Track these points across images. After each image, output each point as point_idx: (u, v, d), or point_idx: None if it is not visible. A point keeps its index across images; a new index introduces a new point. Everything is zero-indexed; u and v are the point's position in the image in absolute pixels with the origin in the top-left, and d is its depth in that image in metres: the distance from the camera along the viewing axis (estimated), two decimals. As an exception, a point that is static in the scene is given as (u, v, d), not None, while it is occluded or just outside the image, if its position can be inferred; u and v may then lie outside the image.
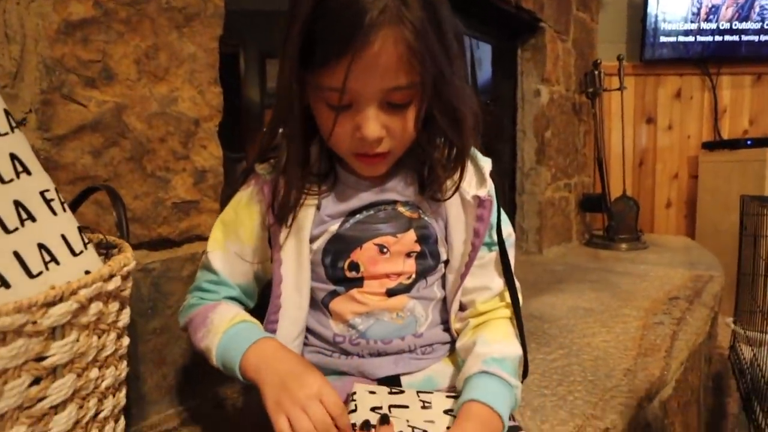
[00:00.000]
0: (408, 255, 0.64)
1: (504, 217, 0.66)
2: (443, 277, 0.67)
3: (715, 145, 2.62)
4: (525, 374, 0.63)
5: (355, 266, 0.63)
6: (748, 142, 2.43)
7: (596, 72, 2.26)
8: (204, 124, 0.82)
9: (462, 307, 0.66)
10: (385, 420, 0.48)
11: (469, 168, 0.64)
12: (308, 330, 0.66)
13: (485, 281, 0.64)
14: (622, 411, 0.79)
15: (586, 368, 0.95)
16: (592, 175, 2.58)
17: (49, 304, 0.32)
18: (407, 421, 0.53)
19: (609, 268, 1.82)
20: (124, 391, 0.47)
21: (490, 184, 0.63)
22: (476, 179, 0.64)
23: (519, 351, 0.61)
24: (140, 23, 0.71)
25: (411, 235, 0.64)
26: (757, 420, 1.32)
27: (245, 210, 0.64)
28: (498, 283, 0.65)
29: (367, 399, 0.56)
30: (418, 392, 0.59)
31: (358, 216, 0.63)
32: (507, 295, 0.65)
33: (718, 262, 1.92)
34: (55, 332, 0.33)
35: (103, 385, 0.41)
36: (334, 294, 0.64)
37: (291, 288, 0.62)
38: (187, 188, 0.82)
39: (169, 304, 0.82)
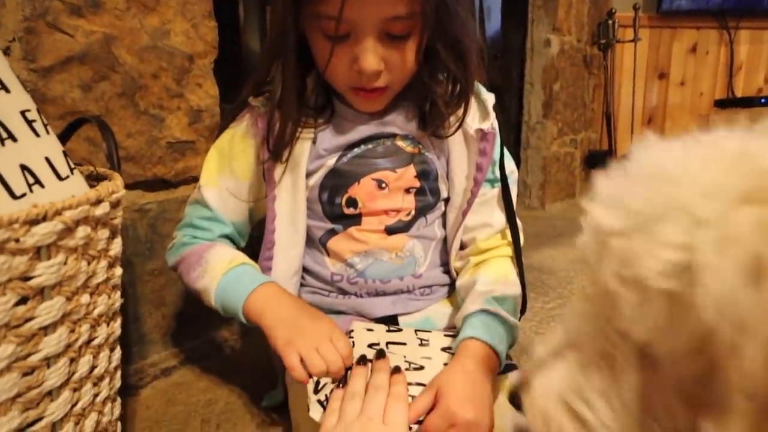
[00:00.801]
0: (407, 191, 0.62)
1: (507, 153, 0.64)
2: (444, 216, 0.66)
3: (728, 102, 2.55)
4: (523, 311, 0.63)
5: (353, 202, 0.61)
6: (762, 101, 2.37)
7: (610, 22, 2.18)
8: (198, 60, 0.79)
9: (463, 246, 0.65)
10: (381, 355, 0.48)
11: (472, 102, 0.61)
12: (305, 270, 0.65)
13: (487, 218, 0.63)
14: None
15: (585, 316, 0.95)
16: (599, 131, 2.53)
17: (32, 222, 0.31)
18: (404, 357, 0.53)
19: (612, 223, 1.81)
20: (118, 321, 0.47)
21: (493, 118, 0.61)
22: (479, 113, 0.62)
23: (519, 290, 0.60)
24: (128, -51, 0.68)
25: (411, 170, 0.62)
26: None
27: (240, 144, 0.62)
28: (500, 220, 0.63)
29: (364, 336, 0.56)
30: (416, 330, 0.59)
31: (356, 150, 0.62)
32: (508, 233, 0.64)
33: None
34: (40, 252, 0.33)
35: (96, 312, 0.41)
36: (332, 233, 0.63)
37: (285, 224, 0.61)
38: (182, 128, 0.80)
39: (166, 245, 0.81)
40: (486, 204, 0.63)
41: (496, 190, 0.63)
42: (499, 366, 0.54)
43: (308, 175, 0.61)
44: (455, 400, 0.46)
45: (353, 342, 0.54)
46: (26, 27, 0.60)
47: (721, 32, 2.65)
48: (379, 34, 0.52)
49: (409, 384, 0.48)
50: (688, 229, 0.23)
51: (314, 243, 0.64)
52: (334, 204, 0.62)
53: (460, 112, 0.60)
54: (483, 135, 0.60)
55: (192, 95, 0.79)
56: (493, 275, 0.60)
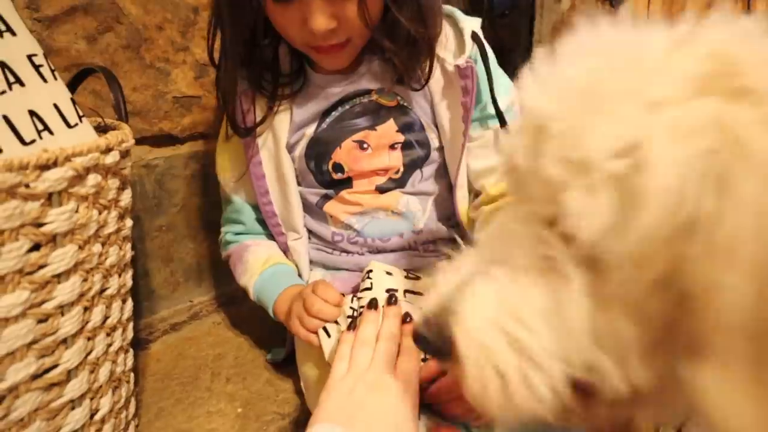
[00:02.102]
0: (392, 147, 0.61)
1: (503, 83, 0.60)
2: (444, 168, 0.63)
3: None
4: None
5: (338, 167, 0.61)
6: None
7: (623, -24, 2.10)
8: (204, 12, 0.77)
9: (476, 195, 0.63)
10: (392, 300, 0.47)
11: (450, 35, 0.58)
12: (309, 231, 0.67)
13: (491, 162, 0.60)
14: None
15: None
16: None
17: (43, 167, 0.30)
18: (420, 309, 0.53)
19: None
20: (129, 273, 0.47)
21: (470, 49, 0.56)
22: (456, 45, 0.58)
23: None
24: None
25: (391, 125, 0.60)
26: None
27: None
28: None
29: (383, 279, 0.55)
30: None
31: (333, 114, 0.61)
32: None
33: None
34: (51, 198, 0.32)
35: (107, 262, 0.41)
36: (326, 198, 0.64)
37: (277, 197, 0.63)
38: (188, 82, 0.78)
39: (174, 201, 0.82)
40: (486, 147, 0.60)
41: (496, 129, 0.60)
42: None
43: (291, 148, 0.62)
44: None
45: (371, 284, 0.54)
46: (28, -27, 0.58)
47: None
48: None
49: None
50: (641, 112, 0.21)
51: (312, 207, 0.65)
52: (323, 171, 0.62)
53: (426, 66, 0.57)
54: (461, 71, 0.56)
55: (197, 48, 0.77)
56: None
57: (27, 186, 0.30)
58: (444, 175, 0.64)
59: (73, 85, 0.56)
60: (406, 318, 0.45)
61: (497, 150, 0.61)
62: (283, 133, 0.60)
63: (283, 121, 0.60)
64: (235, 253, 0.67)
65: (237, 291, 0.91)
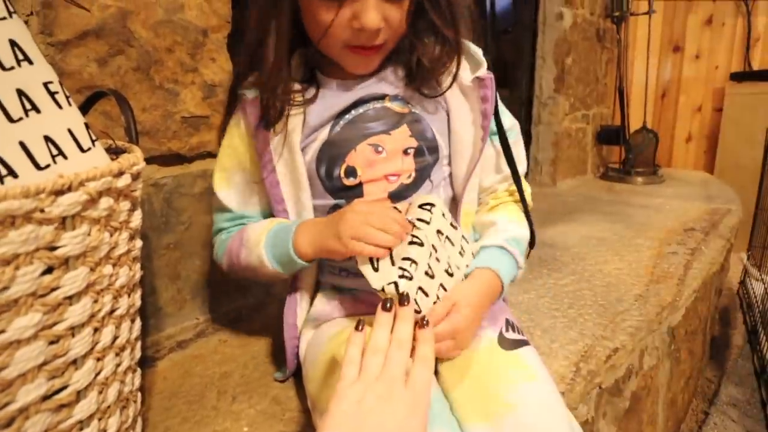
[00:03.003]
0: (405, 152, 0.62)
1: (503, 108, 0.66)
2: (450, 178, 0.66)
3: (745, 76, 2.50)
4: (532, 245, 0.67)
5: (352, 171, 0.61)
6: (779, 74, 2.32)
7: (624, -6, 2.13)
8: (212, 34, 0.79)
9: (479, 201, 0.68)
10: (404, 300, 0.47)
11: (462, 58, 0.62)
12: None
13: (492, 180, 0.67)
14: (632, 333, 0.80)
15: (597, 293, 0.95)
16: (612, 106, 2.49)
17: (58, 192, 0.31)
18: (448, 257, 0.57)
19: (624, 201, 1.79)
20: (138, 293, 0.47)
21: (485, 65, 0.62)
22: (471, 64, 0.63)
23: (527, 232, 0.65)
24: None
25: (404, 130, 0.62)
26: (762, 351, 1.34)
27: (238, 137, 0.64)
28: (506, 171, 0.67)
29: (439, 220, 0.57)
30: (462, 236, 0.61)
31: (347, 116, 0.61)
32: (512, 183, 0.67)
33: (737, 197, 1.88)
34: (65, 222, 0.33)
35: (117, 283, 0.41)
36: (336, 208, 0.62)
37: (293, 204, 0.62)
38: (197, 102, 0.80)
39: (182, 219, 0.83)
40: (491, 163, 0.67)
41: (497, 145, 0.66)
42: (500, 295, 0.60)
43: (303, 151, 0.62)
44: (464, 320, 0.53)
45: (430, 218, 0.56)
46: (44, 1, 0.60)
47: (738, 3, 2.59)
48: None
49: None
50: None
51: None
52: (333, 177, 0.61)
53: (453, 68, 0.61)
54: (480, 82, 0.61)
55: (206, 69, 0.79)
56: (510, 217, 0.65)
57: (42, 211, 0.30)
58: (448, 186, 0.66)
59: (85, 108, 0.57)
60: (420, 321, 0.45)
61: (497, 169, 0.67)
62: (297, 136, 0.61)
63: (296, 125, 0.61)
64: (233, 242, 0.64)
65: (244, 308, 0.92)
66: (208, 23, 0.78)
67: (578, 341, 0.77)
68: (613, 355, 0.74)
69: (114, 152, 0.51)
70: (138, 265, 0.46)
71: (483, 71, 0.62)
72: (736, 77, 2.53)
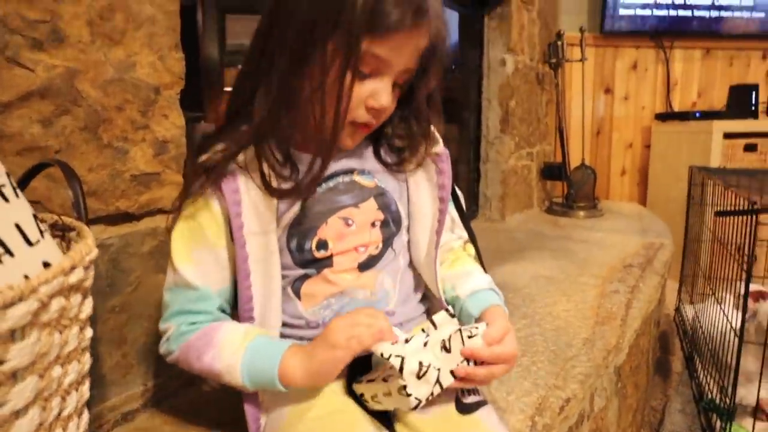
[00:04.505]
0: (373, 224, 0.64)
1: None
2: (408, 245, 0.69)
3: (667, 116, 2.72)
4: None
5: (323, 244, 0.61)
6: (697, 114, 2.53)
7: (559, 43, 2.27)
8: (165, 91, 0.77)
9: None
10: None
11: None
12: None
13: (450, 237, 0.73)
14: (582, 380, 0.83)
15: (548, 338, 0.98)
16: (553, 143, 2.62)
17: (8, 305, 0.29)
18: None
19: (568, 236, 1.87)
20: (87, 384, 0.44)
21: (440, 140, 0.67)
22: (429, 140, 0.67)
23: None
24: (92, -20, 0.65)
25: (372, 203, 0.64)
26: (698, 378, 1.41)
27: (208, 219, 0.59)
28: (459, 231, 0.73)
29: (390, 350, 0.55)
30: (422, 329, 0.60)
31: (318, 190, 0.62)
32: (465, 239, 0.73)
33: (668, 229, 2.01)
34: (14, 335, 0.31)
35: (66, 381, 0.39)
36: (305, 277, 0.62)
37: (260, 276, 0.59)
38: (147, 160, 0.77)
39: (130, 281, 0.79)
40: (448, 226, 0.71)
41: (454, 213, 0.72)
42: None
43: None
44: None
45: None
46: (-18, 63, 0.57)
47: (658, 51, 2.83)
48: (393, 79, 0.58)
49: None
50: None
51: (285, 292, 0.63)
52: (304, 250, 0.61)
53: (423, 148, 0.65)
54: (438, 157, 0.66)
55: (158, 126, 0.77)
56: (475, 268, 0.70)
57: (-11, 328, 0.28)
58: (407, 253, 0.69)
59: (27, 179, 0.54)
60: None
61: (452, 228, 0.73)
62: (271, 211, 0.59)
63: (271, 201, 0.59)
64: (200, 339, 0.57)
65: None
66: (160, 81, 0.76)
67: (532, 392, 0.79)
68: (565, 406, 0.77)
69: (60, 229, 0.49)
70: (87, 355, 0.44)
71: (440, 147, 0.66)
72: (660, 117, 2.75)
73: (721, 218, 1.45)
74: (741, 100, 2.50)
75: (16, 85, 0.60)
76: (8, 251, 0.34)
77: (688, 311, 1.73)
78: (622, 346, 1.00)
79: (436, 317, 0.57)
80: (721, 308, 1.21)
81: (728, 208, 1.26)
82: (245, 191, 0.57)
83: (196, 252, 0.59)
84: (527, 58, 2.23)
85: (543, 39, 2.36)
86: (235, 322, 0.60)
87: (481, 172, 2.17)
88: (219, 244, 0.59)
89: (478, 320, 0.64)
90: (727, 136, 2.30)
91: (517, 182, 2.25)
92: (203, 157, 0.58)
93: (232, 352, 0.55)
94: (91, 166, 0.70)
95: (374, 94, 0.56)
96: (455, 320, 0.57)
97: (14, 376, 0.31)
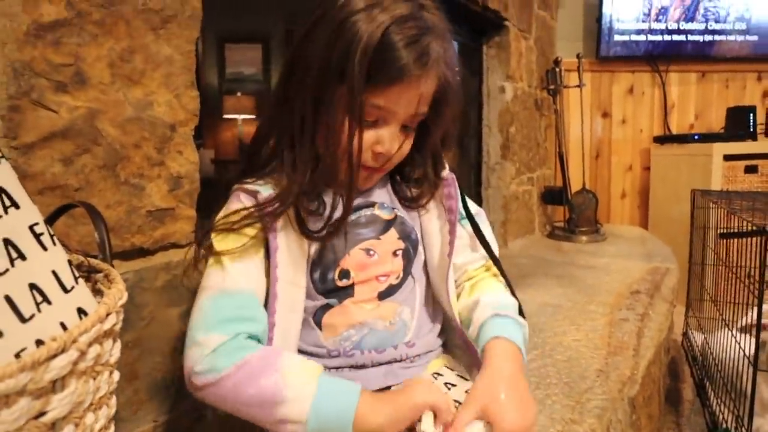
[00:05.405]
0: (394, 254, 0.66)
1: (468, 199, 0.73)
2: (425, 271, 0.70)
3: (665, 139, 2.76)
4: (522, 315, 0.69)
5: (345, 274, 0.63)
6: (696, 137, 2.55)
7: (557, 69, 2.31)
8: (180, 128, 0.78)
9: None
10: None
11: None
12: (299, 351, 0.64)
13: (468, 257, 0.71)
14: (599, 414, 0.82)
15: (561, 369, 0.98)
16: (553, 168, 2.64)
17: (51, 356, 0.29)
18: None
19: (572, 262, 1.88)
20: (113, 428, 0.44)
21: (447, 166, 0.71)
22: None
23: (515, 300, 0.68)
24: (115, 25, 0.67)
25: (393, 233, 0.66)
26: (711, 406, 1.40)
27: (250, 229, 0.60)
28: (481, 250, 0.71)
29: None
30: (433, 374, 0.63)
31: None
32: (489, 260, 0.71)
33: (672, 253, 2.02)
34: (55, 385, 0.31)
35: (97, 428, 0.39)
36: (327, 307, 0.64)
37: (286, 308, 0.60)
38: (162, 195, 0.78)
39: (143, 315, 0.79)
40: (465, 244, 0.71)
41: (468, 228, 0.71)
42: (522, 360, 0.60)
43: None
44: (509, 420, 0.51)
45: None
46: (10, 105, 0.58)
47: (653, 75, 2.88)
48: (402, 124, 0.60)
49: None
50: None
51: (306, 321, 0.64)
52: (327, 279, 0.63)
53: (434, 187, 0.68)
54: (444, 181, 0.69)
55: (173, 162, 0.78)
56: (491, 290, 0.68)
57: (35, 380, 0.29)
58: (423, 277, 0.70)
59: (51, 220, 0.55)
60: None
61: (472, 249, 0.72)
62: (303, 249, 0.61)
63: (301, 239, 0.61)
64: (259, 360, 0.52)
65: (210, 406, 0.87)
66: (176, 118, 0.77)
67: (549, 428, 0.78)
68: (584, 440, 0.76)
69: (87, 271, 0.49)
70: (114, 399, 0.44)
71: (446, 172, 0.69)
72: (659, 140, 2.79)
73: (726, 241, 1.46)
74: (739, 122, 2.53)
75: (40, 126, 0.61)
76: (46, 299, 0.35)
77: (697, 337, 1.72)
78: (636, 377, 0.99)
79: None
80: (732, 334, 1.20)
81: (732, 230, 1.26)
82: (283, 235, 0.61)
83: (242, 255, 0.59)
84: (526, 85, 2.27)
85: (541, 66, 2.41)
86: (290, 352, 0.59)
87: (483, 197, 2.19)
88: (258, 255, 0.61)
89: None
90: (728, 158, 2.32)
91: (518, 207, 2.26)
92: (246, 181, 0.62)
93: (306, 382, 0.51)
94: (108, 203, 0.71)
95: (380, 141, 0.59)
96: None
97: (53, 427, 0.31)
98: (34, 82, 0.60)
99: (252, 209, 0.59)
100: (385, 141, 0.59)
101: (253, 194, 0.61)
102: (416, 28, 0.55)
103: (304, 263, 0.62)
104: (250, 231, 0.60)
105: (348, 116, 0.56)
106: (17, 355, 0.31)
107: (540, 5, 2.37)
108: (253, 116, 3.70)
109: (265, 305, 0.60)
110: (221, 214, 0.62)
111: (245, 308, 0.56)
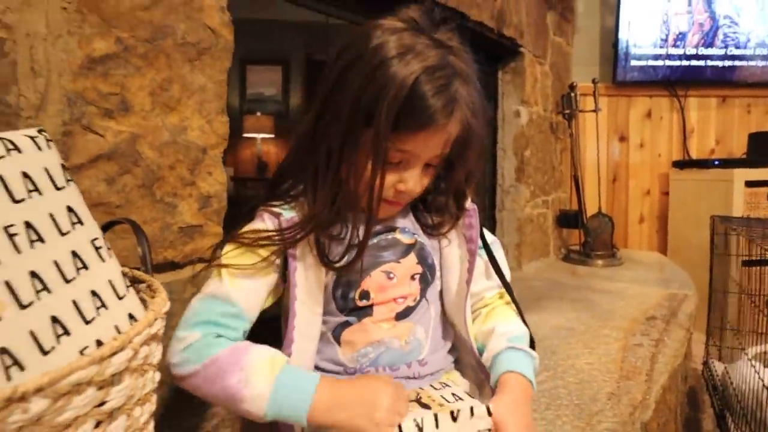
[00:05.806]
0: (412, 277, 0.69)
1: (483, 229, 0.75)
2: (441, 297, 0.73)
3: (685, 164, 2.73)
4: (533, 345, 0.72)
5: (365, 294, 0.67)
6: (716, 162, 2.52)
7: (572, 94, 2.35)
8: (210, 151, 0.84)
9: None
10: None
11: None
12: (316, 367, 0.67)
13: (484, 285, 0.75)
14: (609, 434, 0.84)
15: (572, 391, 1.00)
16: (568, 191, 2.66)
17: (113, 353, 0.34)
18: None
19: (587, 285, 1.89)
20: (152, 424, 0.48)
21: (469, 198, 0.73)
22: None
23: (527, 329, 0.71)
24: (156, 58, 0.73)
25: (412, 258, 0.69)
26: (730, 436, 1.38)
27: (267, 247, 0.63)
28: (496, 278, 0.74)
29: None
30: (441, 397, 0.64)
31: None
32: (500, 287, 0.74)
33: (691, 279, 2.01)
34: (114, 379, 0.35)
35: (142, 420, 0.43)
36: (346, 324, 0.67)
37: (305, 324, 0.64)
38: (193, 213, 0.83)
39: (171, 324, 0.83)
40: (481, 273, 0.74)
41: (484, 256, 0.74)
42: (533, 391, 0.64)
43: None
44: None
45: None
46: (64, 131, 0.64)
47: (672, 99, 2.89)
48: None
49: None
50: None
51: (326, 337, 0.67)
52: (348, 298, 0.67)
53: (456, 217, 0.71)
54: (466, 212, 0.71)
55: (203, 183, 0.84)
56: (505, 319, 0.71)
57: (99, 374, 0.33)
58: (438, 303, 0.73)
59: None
60: None
61: (487, 276, 0.74)
62: (319, 269, 0.64)
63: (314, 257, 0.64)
64: (225, 357, 0.55)
65: (208, 425, 0.89)
66: (207, 142, 0.83)
67: (560, 445, 0.80)
68: (594, 461, 0.78)
69: (131, 281, 0.54)
70: (155, 397, 0.48)
71: (468, 203, 0.71)
72: (678, 165, 2.76)
73: (748, 269, 1.45)
74: (761, 148, 2.48)
75: (89, 149, 0.67)
76: (104, 305, 0.39)
77: (718, 366, 1.70)
78: (649, 402, 1.00)
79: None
80: (752, 366, 1.20)
81: (753, 258, 1.26)
82: (302, 258, 0.64)
83: (245, 273, 0.62)
84: (541, 109, 2.31)
85: (556, 90, 2.45)
86: (258, 346, 0.60)
87: (497, 220, 2.22)
88: (265, 279, 0.64)
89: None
90: (749, 184, 2.29)
91: (533, 230, 2.28)
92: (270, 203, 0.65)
93: (265, 380, 0.54)
94: (145, 220, 0.77)
95: (403, 181, 0.62)
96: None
97: (111, 415, 0.36)
98: (85, 109, 0.66)
99: (273, 233, 0.63)
100: (408, 181, 0.62)
101: (277, 216, 0.64)
102: (445, 78, 0.57)
103: (321, 287, 0.65)
104: (264, 252, 0.62)
105: (372, 158, 0.59)
106: (81, 352, 0.35)
107: (556, 31, 2.43)
108: (272, 135, 3.79)
109: (285, 322, 0.66)
110: (243, 230, 0.65)
111: (228, 317, 0.60)
